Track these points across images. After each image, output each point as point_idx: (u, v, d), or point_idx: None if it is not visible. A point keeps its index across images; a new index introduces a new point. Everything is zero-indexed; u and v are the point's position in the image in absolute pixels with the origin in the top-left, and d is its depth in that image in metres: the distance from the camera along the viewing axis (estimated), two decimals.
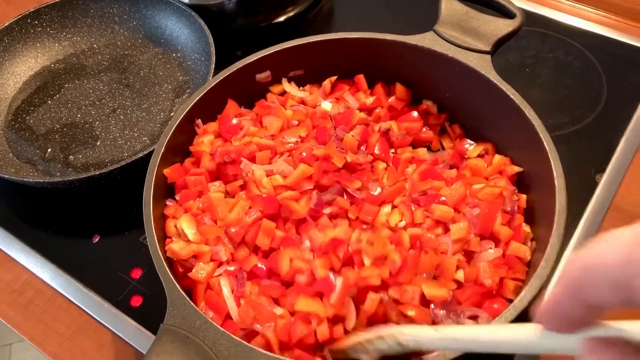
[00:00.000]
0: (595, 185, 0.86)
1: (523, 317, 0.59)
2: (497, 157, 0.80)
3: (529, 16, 1.07)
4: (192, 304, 0.61)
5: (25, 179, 0.83)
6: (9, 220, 0.87)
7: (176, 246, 0.68)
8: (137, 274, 0.80)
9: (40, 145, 0.94)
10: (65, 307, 0.79)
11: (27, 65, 1.04)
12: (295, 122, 0.80)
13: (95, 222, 0.86)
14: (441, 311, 0.64)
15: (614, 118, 0.95)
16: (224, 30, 1.06)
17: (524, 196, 0.75)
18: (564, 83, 1.02)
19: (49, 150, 0.93)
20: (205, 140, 0.78)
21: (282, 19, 1.11)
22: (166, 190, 0.76)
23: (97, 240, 0.84)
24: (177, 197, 0.74)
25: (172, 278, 0.63)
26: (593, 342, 0.31)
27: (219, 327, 0.59)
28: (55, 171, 0.90)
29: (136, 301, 0.77)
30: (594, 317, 0.32)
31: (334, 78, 0.88)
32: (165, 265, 0.64)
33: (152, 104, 0.99)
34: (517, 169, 0.78)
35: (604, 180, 0.87)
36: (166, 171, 0.74)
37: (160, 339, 0.58)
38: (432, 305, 0.65)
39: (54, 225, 0.87)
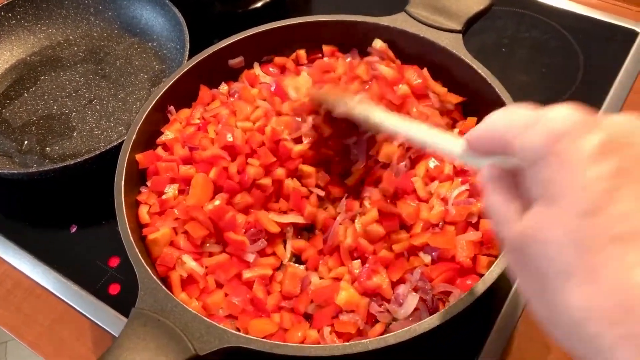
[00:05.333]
0: None
1: (492, 290, 0.60)
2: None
3: None
4: (163, 287, 0.61)
5: (1, 171, 0.83)
6: None
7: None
8: (114, 262, 0.80)
9: (16, 138, 0.94)
10: (44, 297, 0.79)
11: (2, 58, 1.04)
12: (262, 103, 0.80)
13: (72, 213, 0.86)
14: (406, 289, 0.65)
15: (590, 96, 0.95)
16: (201, 18, 1.05)
17: None
18: (541, 62, 1.02)
19: (26, 142, 0.93)
20: (171, 132, 0.78)
21: (259, 4, 1.10)
22: (139, 178, 0.76)
23: (74, 230, 0.84)
24: (149, 183, 0.74)
25: (144, 262, 0.63)
26: (490, 167, 0.42)
27: (190, 309, 0.59)
28: (32, 163, 0.90)
29: (114, 289, 0.78)
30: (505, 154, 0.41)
31: (301, 51, 0.87)
32: (137, 249, 0.64)
33: (128, 93, 0.99)
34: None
35: None
36: (138, 156, 0.75)
37: (131, 323, 0.58)
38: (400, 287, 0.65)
39: (32, 217, 0.87)
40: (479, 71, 0.76)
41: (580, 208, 0.32)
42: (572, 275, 0.32)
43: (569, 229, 0.33)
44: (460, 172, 0.73)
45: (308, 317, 0.67)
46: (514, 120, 0.38)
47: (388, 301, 0.66)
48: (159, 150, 0.77)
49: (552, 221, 0.34)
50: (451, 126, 0.81)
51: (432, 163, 0.74)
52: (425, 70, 0.82)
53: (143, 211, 0.72)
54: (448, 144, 0.50)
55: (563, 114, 0.36)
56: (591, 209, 0.32)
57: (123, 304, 0.76)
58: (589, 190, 0.32)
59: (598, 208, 0.32)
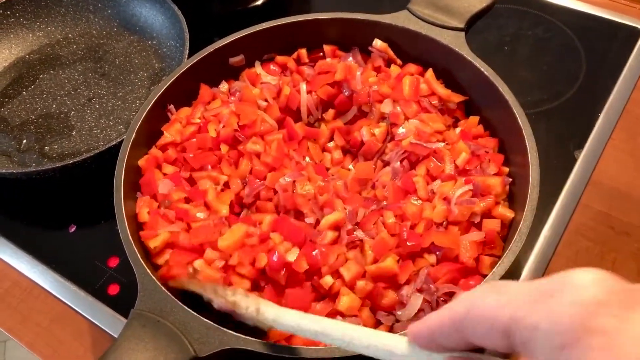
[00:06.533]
0: (574, 161, 0.86)
1: None
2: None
3: None
4: (163, 288, 0.60)
5: None
6: None
7: None
8: (114, 262, 0.79)
9: (15, 137, 0.93)
10: (42, 297, 0.78)
11: (0, 56, 1.03)
12: (264, 103, 0.79)
13: (71, 212, 0.85)
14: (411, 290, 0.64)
15: (593, 94, 0.95)
16: (201, 16, 1.05)
17: (505, 169, 0.75)
18: (543, 60, 1.01)
19: (24, 141, 0.93)
20: (170, 134, 0.77)
21: (259, 2, 1.10)
22: (139, 177, 0.75)
23: (73, 230, 0.84)
24: (138, 194, 0.74)
25: (143, 263, 0.62)
26: None
27: (189, 310, 0.58)
28: (31, 162, 0.90)
29: (113, 289, 0.77)
30: (463, 349, 0.34)
31: (303, 51, 0.87)
32: (136, 250, 0.63)
33: (127, 92, 0.98)
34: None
35: (582, 156, 0.86)
36: (140, 162, 0.74)
37: (130, 324, 0.57)
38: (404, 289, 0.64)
39: (31, 216, 0.86)
40: (482, 69, 0.75)
41: None
42: None
43: None
44: (462, 172, 0.72)
45: None
46: (515, 295, 0.30)
47: (393, 309, 0.65)
48: (154, 150, 0.77)
49: None
50: (453, 125, 0.80)
51: (432, 163, 0.73)
52: (430, 71, 0.81)
53: (143, 212, 0.71)
54: (384, 343, 0.39)
55: (593, 279, 0.28)
56: None
57: (122, 305, 0.75)
58: None
59: None
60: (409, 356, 0.37)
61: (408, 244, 0.66)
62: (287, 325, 0.48)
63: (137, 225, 0.71)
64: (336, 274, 0.65)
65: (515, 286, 0.31)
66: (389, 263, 0.64)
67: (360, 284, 0.64)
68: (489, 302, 0.31)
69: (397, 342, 0.39)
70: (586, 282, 0.28)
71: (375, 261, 0.65)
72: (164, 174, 0.75)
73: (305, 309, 0.64)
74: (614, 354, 0.26)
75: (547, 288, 0.29)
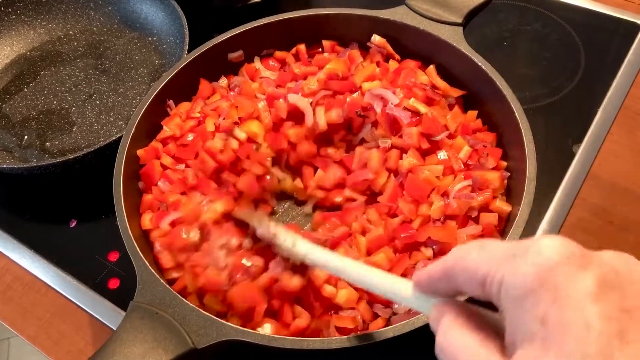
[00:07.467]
0: (572, 155, 0.86)
1: None
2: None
3: None
4: (162, 281, 0.61)
5: (1, 166, 0.82)
6: None
7: None
8: (114, 257, 0.80)
9: (16, 133, 0.94)
10: (44, 291, 0.79)
11: (2, 53, 1.04)
12: (263, 97, 0.80)
13: (72, 207, 0.86)
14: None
15: (592, 89, 0.95)
16: (201, 12, 1.05)
17: (504, 163, 0.75)
18: (542, 55, 1.01)
19: (26, 137, 0.93)
20: (170, 128, 0.78)
21: None
22: (138, 172, 0.75)
23: (74, 224, 0.84)
24: (141, 185, 0.74)
25: (142, 256, 0.63)
26: (450, 303, 0.39)
27: (188, 302, 0.59)
28: (32, 158, 0.90)
29: (113, 284, 0.77)
30: (454, 295, 0.40)
31: (301, 46, 0.87)
32: (135, 244, 0.64)
33: (128, 88, 0.98)
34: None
35: (580, 150, 0.87)
36: (139, 152, 0.74)
37: (129, 316, 0.58)
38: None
39: (32, 212, 0.87)
40: (480, 64, 0.76)
41: (587, 351, 0.29)
42: None
43: None
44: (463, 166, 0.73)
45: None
46: (492, 253, 0.35)
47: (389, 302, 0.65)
48: (154, 143, 0.77)
49: None
50: None
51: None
52: (432, 67, 0.81)
53: (145, 219, 0.71)
54: (393, 285, 0.45)
55: (555, 245, 0.33)
56: (600, 352, 0.28)
57: (122, 298, 0.76)
58: (595, 331, 0.29)
59: (607, 353, 0.28)
60: (411, 299, 0.43)
61: (402, 235, 0.66)
62: (316, 261, 0.56)
63: (137, 220, 0.72)
64: (333, 280, 0.65)
65: (494, 245, 0.36)
66: (380, 258, 0.64)
67: None
68: (471, 257, 0.36)
69: (403, 286, 0.44)
70: (548, 246, 0.32)
71: (369, 255, 0.66)
72: (163, 165, 0.75)
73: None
74: (561, 305, 0.30)
75: (517, 249, 0.34)
